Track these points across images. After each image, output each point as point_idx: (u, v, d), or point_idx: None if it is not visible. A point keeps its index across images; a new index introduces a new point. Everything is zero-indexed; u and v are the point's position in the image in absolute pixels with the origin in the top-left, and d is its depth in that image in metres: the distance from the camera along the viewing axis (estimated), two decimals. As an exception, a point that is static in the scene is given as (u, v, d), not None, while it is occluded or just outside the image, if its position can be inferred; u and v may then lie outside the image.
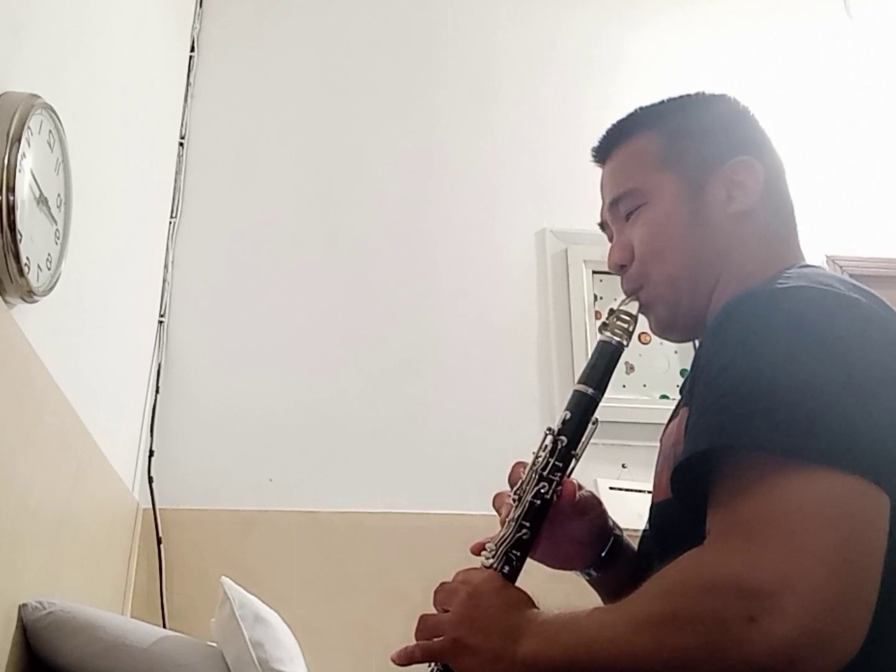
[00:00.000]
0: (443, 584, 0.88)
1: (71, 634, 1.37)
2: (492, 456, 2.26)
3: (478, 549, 0.92)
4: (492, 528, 0.96)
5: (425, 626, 0.85)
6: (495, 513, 0.98)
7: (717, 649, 0.64)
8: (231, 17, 2.79)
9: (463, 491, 2.28)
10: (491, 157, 2.73)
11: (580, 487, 0.99)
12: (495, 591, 0.84)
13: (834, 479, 0.66)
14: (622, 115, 1.06)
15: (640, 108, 1.05)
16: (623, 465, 2.30)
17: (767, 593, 0.63)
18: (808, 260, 0.97)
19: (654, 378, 2.43)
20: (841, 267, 2.67)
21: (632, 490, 2.21)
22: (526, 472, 0.94)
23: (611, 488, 2.26)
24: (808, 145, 2.85)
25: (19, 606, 1.35)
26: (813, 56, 3.01)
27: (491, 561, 0.89)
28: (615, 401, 2.41)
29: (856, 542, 0.65)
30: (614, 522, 1.04)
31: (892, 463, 0.69)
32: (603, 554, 1.02)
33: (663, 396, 2.39)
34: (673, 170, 0.98)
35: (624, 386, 2.44)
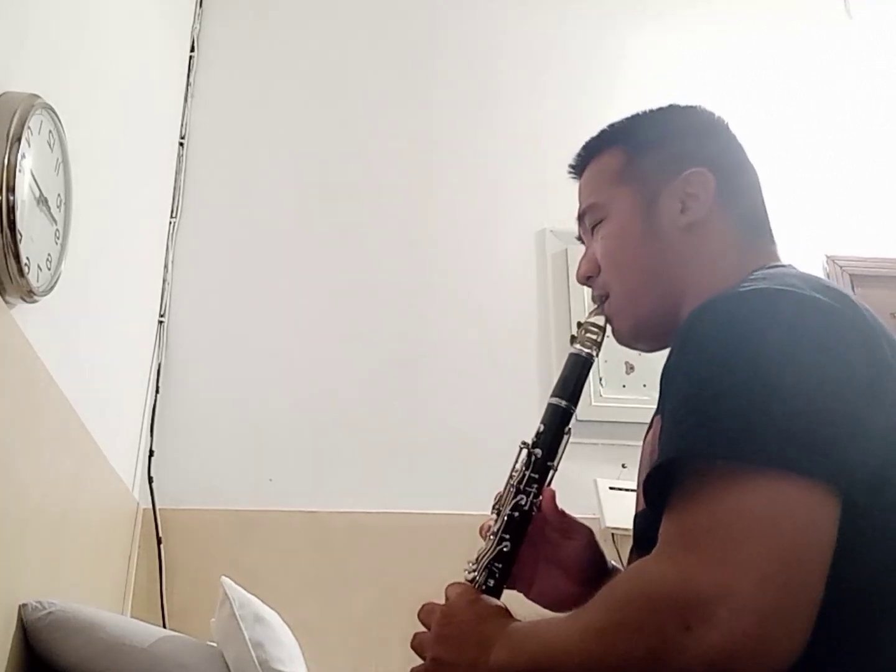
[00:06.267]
0: (426, 603, 0.90)
1: (71, 634, 1.37)
2: (492, 456, 2.26)
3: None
4: (491, 528, 0.96)
5: (413, 646, 0.88)
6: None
7: (657, 658, 0.66)
8: (231, 17, 2.79)
9: (463, 491, 2.27)
10: (491, 156, 2.73)
11: (564, 515, 1.00)
12: (467, 604, 0.86)
13: (775, 482, 0.67)
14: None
15: (610, 125, 1.07)
16: (623, 465, 2.30)
17: (703, 602, 0.64)
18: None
19: (654, 378, 2.39)
20: (841, 267, 2.66)
21: (632, 490, 2.20)
22: (504, 487, 0.96)
23: (611, 488, 2.26)
24: (808, 145, 2.85)
25: (19, 606, 1.35)
26: (813, 57, 3.01)
27: (473, 575, 0.91)
28: (615, 401, 2.41)
29: (794, 547, 0.65)
30: (616, 568, 1.03)
31: (848, 462, 0.69)
32: None
33: (663, 396, 2.38)
34: (630, 184, 1.00)
35: (624, 386, 2.44)
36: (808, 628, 0.65)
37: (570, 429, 0.97)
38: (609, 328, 1.03)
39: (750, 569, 0.64)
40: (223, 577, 1.64)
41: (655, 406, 0.88)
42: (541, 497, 0.95)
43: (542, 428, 0.97)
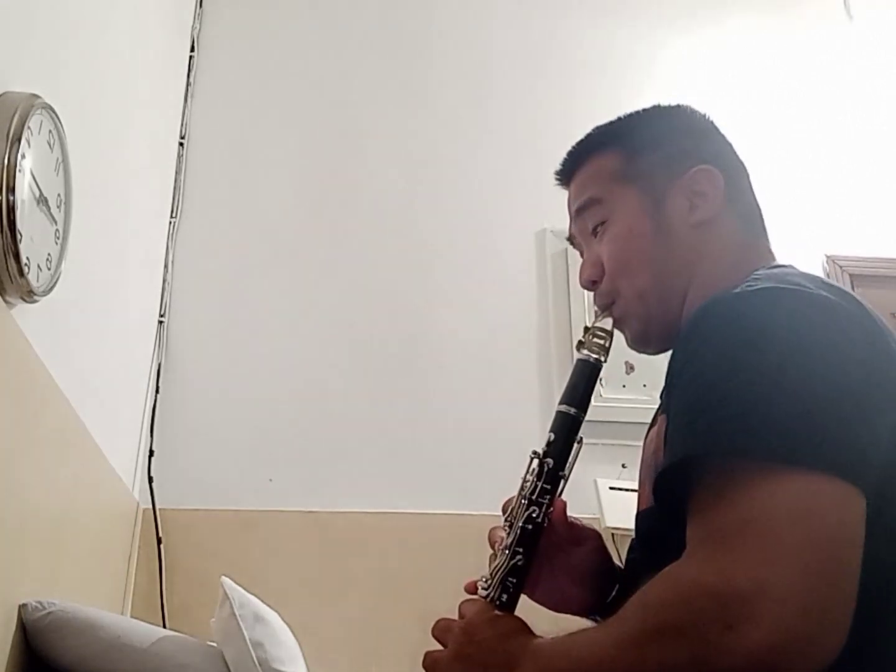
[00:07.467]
0: (440, 620, 0.88)
1: (71, 634, 1.37)
2: (491, 456, 2.28)
3: (472, 588, 0.92)
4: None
5: (426, 666, 0.85)
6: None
7: (699, 660, 0.64)
8: (231, 17, 2.79)
9: (463, 491, 2.28)
10: (490, 156, 2.73)
11: (573, 526, 0.99)
12: (487, 622, 0.84)
13: (803, 479, 0.66)
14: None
15: (598, 128, 1.05)
16: (623, 465, 2.30)
17: (743, 600, 0.63)
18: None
19: (653, 378, 2.40)
20: (841, 267, 2.66)
21: (632, 490, 2.20)
22: (515, 497, 0.93)
23: (611, 488, 2.26)
24: (809, 145, 2.85)
25: (19, 606, 1.35)
26: (813, 57, 3.01)
27: (488, 591, 0.89)
28: (615, 401, 2.41)
29: (828, 542, 0.65)
30: (621, 569, 1.02)
31: (867, 459, 0.69)
32: (609, 600, 0.99)
33: (663, 396, 2.38)
34: (634, 185, 0.99)
35: (624, 386, 2.44)
36: (847, 622, 0.64)
37: (581, 437, 0.95)
38: (623, 335, 1.01)
39: (788, 563, 0.63)
40: (223, 577, 1.64)
41: (658, 404, 0.87)
42: (552, 508, 0.92)
43: (552, 437, 0.94)
